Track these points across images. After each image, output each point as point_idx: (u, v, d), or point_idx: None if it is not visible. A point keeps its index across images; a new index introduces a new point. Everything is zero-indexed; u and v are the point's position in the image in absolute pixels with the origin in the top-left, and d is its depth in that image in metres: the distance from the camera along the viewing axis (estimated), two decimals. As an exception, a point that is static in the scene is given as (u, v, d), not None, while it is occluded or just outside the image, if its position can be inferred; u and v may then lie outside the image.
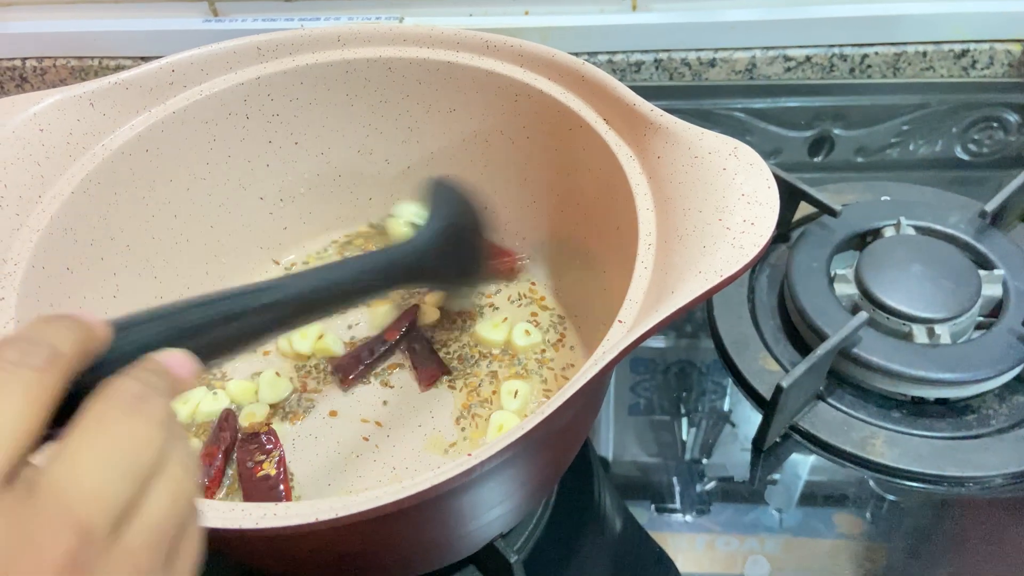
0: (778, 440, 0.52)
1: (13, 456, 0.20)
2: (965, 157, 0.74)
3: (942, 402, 0.53)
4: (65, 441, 0.21)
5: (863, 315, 0.52)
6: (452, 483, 0.32)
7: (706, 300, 0.59)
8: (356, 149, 0.57)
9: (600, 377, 0.34)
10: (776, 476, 0.51)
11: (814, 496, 0.50)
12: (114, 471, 0.21)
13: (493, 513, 0.41)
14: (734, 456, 0.52)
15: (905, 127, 0.76)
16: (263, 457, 0.49)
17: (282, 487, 0.48)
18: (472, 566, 0.47)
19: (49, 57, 0.84)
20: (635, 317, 0.37)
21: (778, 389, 0.48)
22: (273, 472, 0.48)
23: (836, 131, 0.76)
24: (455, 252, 0.49)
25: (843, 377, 0.54)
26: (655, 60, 0.80)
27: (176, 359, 0.27)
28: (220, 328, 0.32)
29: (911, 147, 0.75)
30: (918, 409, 0.53)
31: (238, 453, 0.50)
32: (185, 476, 0.24)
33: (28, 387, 0.21)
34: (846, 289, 0.57)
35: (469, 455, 0.32)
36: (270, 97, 0.53)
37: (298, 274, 0.39)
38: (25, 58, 0.84)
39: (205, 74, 0.51)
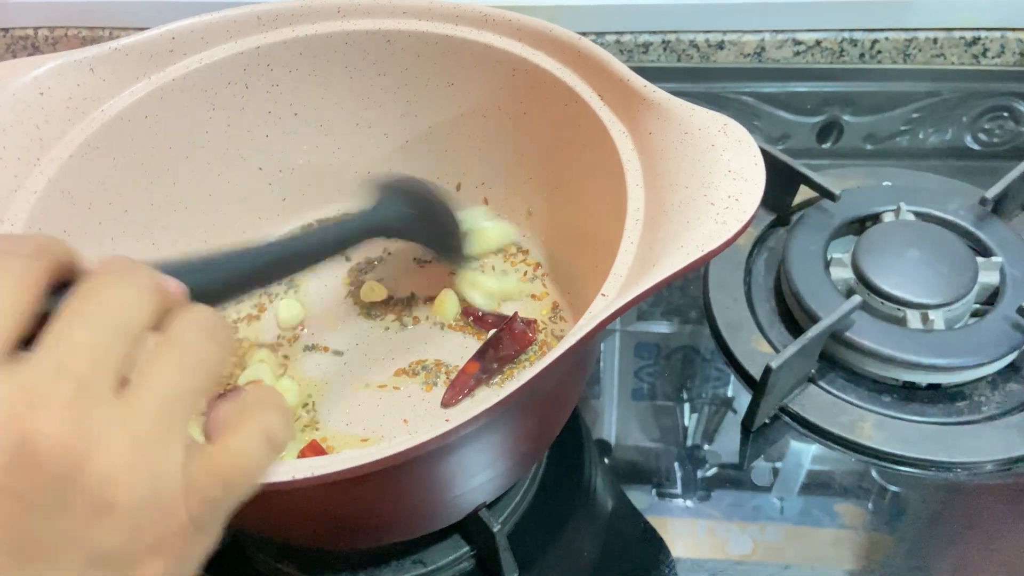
0: (767, 421, 0.52)
1: (11, 329, 0.21)
2: (975, 147, 0.73)
3: (934, 387, 0.52)
4: (57, 313, 0.22)
5: (856, 298, 0.52)
6: (427, 447, 0.32)
7: (703, 281, 0.60)
8: (355, 122, 0.57)
9: (578, 348, 0.34)
10: (778, 465, 0.51)
11: (813, 485, 0.50)
12: (104, 328, 0.22)
13: (476, 480, 0.41)
14: (735, 444, 0.53)
15: (915, 115, 0.75)
16: None
17: None
18: (457, 535, 0.48)
19: (61, 27, 0.84)
20: (618, 290, 0.37)
21: (767, 369, 0.48)
22: None
23: (845, 117, 0.76)
24: (426, 214, 0.51)
25: (835, 361, 0.54)
26: (663, 41, 0.79)
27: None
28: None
29: (921, 135, 0.74)
30: (909, 394, 0.52)
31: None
32: (199, 345, 0.24)
33: (21, 271, 0.22)
34: (842, 273, 0.56)
35: (447, 420, 0.33)
36: (269, 67, 0.53)
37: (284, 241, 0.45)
38: (37, 27, 0.84)
39: (205, 42, 0.51)
